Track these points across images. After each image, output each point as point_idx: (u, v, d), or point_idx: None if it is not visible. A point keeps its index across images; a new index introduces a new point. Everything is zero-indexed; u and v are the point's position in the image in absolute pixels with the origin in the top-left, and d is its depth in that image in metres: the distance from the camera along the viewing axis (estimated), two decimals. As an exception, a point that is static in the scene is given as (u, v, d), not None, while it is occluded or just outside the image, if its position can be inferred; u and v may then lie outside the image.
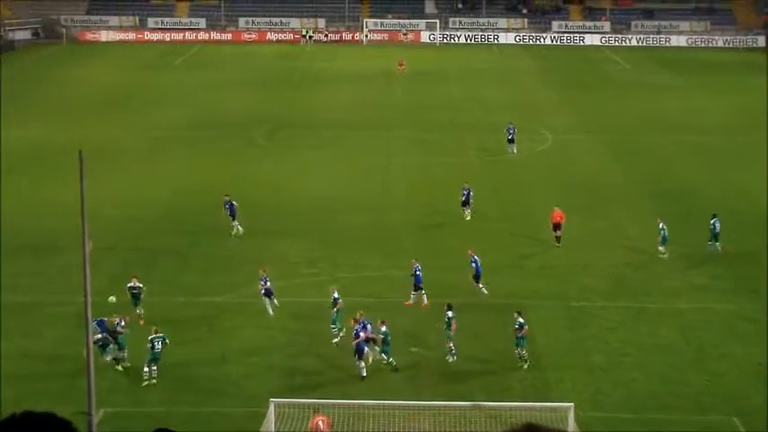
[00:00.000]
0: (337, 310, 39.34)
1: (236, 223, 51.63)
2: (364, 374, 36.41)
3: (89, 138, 71.91)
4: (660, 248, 49.36)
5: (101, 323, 36.17)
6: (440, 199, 58.58)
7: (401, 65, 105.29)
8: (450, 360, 37.51)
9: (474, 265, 44.15)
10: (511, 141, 68.88)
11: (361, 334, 36.49)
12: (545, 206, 57.22)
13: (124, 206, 56.15)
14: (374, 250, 50.01)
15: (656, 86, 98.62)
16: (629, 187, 61.59)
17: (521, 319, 37.53)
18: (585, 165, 67.33)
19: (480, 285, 43.93)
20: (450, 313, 38.27)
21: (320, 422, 31.60)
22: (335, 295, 39.85)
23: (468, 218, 54.35)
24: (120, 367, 36.71)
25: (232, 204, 51.79)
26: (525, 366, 37.24)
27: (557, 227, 49.89)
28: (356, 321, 37.06)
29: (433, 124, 79.72)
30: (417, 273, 42.89)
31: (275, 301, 41.13)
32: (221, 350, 38.32)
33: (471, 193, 54.45)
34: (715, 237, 49.89)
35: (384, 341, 36.85)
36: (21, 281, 45.90)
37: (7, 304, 43.02)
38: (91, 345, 28.31)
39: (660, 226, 49.49)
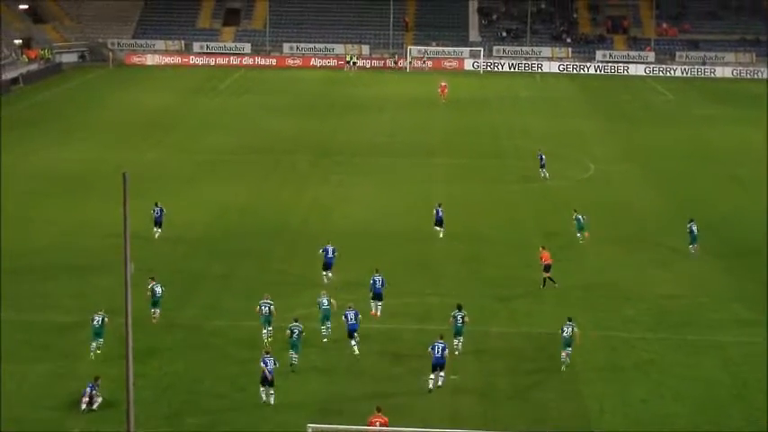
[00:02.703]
0: (324, 312, 41.64)
1: (158, 229, 54.88)
2: (431, 387, 37.25)
3: (134, 160, 72.56)
4: (578, 235, 55.60)
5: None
6: (481, 226, 58.53)
7: (443, 90, 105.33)
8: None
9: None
10: (542, 167, 70.31)
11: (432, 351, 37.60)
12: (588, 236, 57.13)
13: (167, 228, 56.39)
14: (415, 277, 49.95)
15: (701, 117, 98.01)
16: (672, 218, 61.14)
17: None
18: (628, 195, 67.00)
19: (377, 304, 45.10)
20: (459, 314, 40.30)
21: (377, 423, 32.12)
22: (324, 300, 41.84)
23: (440, 236, 55.81)
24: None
25: (162, 211, 55.34)
26: (564, 367, 39.29)
27: (547, 268, 48.58)
28: (441, 338, 38.25)
29: (475, 152, 79.63)
30: (377, 285, 44.33)
31: (272, 391, 36.62)
32: (260, 382, 38.18)
33: (442, 213, 56.35)
34: (693, 239, 53.86)
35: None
36: (63, 301, 46.26)
37: (49, 324, 43.39)
38: (131, 366, 28.33)
39: (574, 216, 55.78)
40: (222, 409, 36.10)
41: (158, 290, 43.46)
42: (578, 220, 55.98)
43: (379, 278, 44.69)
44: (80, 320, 43.45)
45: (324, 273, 48.70)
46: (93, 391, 35.66)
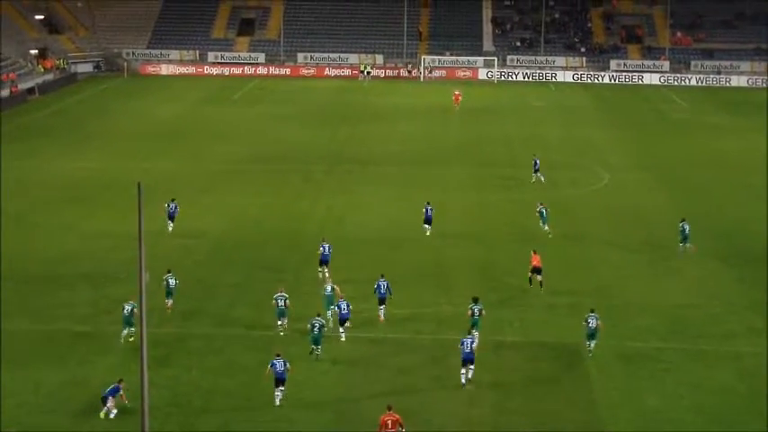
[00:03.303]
0: (328, 298, 44.57)
1: (171, 223, 58.12)
2: (464, 381, 38.50)
3: (148, 170, 72.75)
4: (544, 227, 58.28)
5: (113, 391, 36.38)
6: (495, 234, 58.45)
7: (457, 98, 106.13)
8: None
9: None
10: (536, 171, 71.58)
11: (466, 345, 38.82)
12: (602, 246, 57.05)
13: (181, 238, 56.58)
14: (429, 287, 49.96)
15: (715, 126, 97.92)
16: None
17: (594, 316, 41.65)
18: (642, 204, 66.83)
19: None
20: (476, 306, 42.31)
21: (389, 422, 32.79)
22: (328, 287, 45.20)
23: (428, 233, 58.06)
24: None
25: (176, 207, 58.55)
26: (590, 354, 41.28)
27: (537, 271, 49.20)
28: (470, 334, 39.93)
29: (490, 161, 79.55)
30: (381, 289, 45.08)
31: (282, 389, 37.23)
32: (273, 383, 38.30)
33: (432, 212, 58.63)
34: (684, 239, 55.36)
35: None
36: (77, 310, 46.35)
37: (64, 332, 43.49)
38: (146, 373, 28.39)
39: (538, 209, 58.83)
40: (234, 417, 36.12)
41: (172, 282, 45.75)
42: (542, 213, 58.56)
43: (384, 283, 45.36)
44: (95, 330, 43.72)
45: (319, 269, 50.27)
46: (115, 396, 35.84)
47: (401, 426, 32.99)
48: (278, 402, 36.68)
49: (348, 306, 42.98)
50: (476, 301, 42.74)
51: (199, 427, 35.34)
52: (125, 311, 42.10)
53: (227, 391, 37.98)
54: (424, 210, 58.93)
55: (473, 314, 42.19)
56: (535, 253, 49.88)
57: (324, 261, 50.49)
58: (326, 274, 49.05)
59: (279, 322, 43.47)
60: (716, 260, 54.62)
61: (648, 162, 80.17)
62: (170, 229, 57.85)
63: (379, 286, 45.21)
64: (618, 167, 77.76)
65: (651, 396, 38.27)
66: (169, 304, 45.58)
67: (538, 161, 72.40)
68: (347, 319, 42.89)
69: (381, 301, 45.14)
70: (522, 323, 45.34)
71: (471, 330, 40.81)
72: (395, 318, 45.11)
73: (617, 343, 43.01)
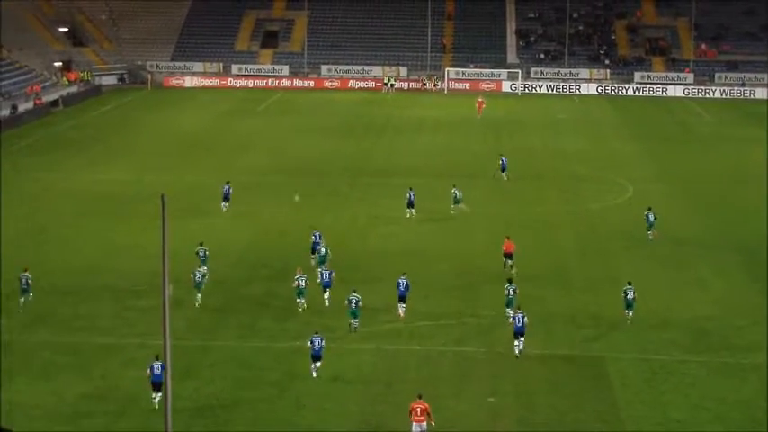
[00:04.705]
0: (321, 258, 50.98)
1: (226, 204, 64.94)
2: (517, 353, 41.70)
3: (172, 182, 72.91)
4: (452, 206, 65.15)
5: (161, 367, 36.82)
6: (519, 247, 58.27)
7: (480, 105, 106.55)
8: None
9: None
10: (502, 170, 75.95)
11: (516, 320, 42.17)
12: (625, 258, 56.84)
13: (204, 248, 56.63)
14: (452, 298, 49.86)
15: (739, 139, 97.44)
16: (711, 239, 60.81)
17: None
18: (666, 216, 66.42)
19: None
20: (511, 287, 46.06)
21: (418, 409, 34.26)
22: (322, 249, 51.49)
23: (410, 216, 63.60)
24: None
25: (229, 188, 65.55)
26: (629, 322, 45.57)
27: (508, 256, 53.14)
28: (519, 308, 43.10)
29: (513, 173, 79.32)
30: (401, 287, 46.60)
31: (317, 365, 39.86)
32: (296, 395, 38.33)
33: (414, 197, 64.20)
34: (650, 226, 59.93)
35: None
36: (101, 322, 46.46)
37: (87, 345, 43.59)
38: (170, 387, 28.43)
39: (453, 191, 65.42)
40: (256, 429, 36.10)
41: (201, 252, 51.42)
42: (454, 195, 65.37)
43: (404, 280, 46.62)
44: (118, 342, 43.75)
45: (312, 256, 53.70)
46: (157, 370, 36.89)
47: (429, 414, 34.09)
48: (314, 375, 39.39)
49: (330, 275, 47.41)
50: (510, 281, 46.82)
51: (221, 439, 35.43)
52: (196, 278, 47.31)
53: (249, 404, 37.96)
54: (407, 195, 64.38)
55: (508, 294, 45.82)
56: (508, 239, 53.72)
57: (314, 251, 53.61)
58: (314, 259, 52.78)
59: (298, 300, 46.94)
60: (739, 272, 54.34)
61: (673, 175, 79.86)
62: (224, 209, 64.53)
63: (399, 284, 46.60)
64: (642, 180, 77.46)
65: (675, 409, 38.06)
66: (204, 270, 48.98)
67: (504, 160, 76.68)
68: (329, 288, 47.03)
69: (401, 299, 46.33)
70: (546, 335, 45.17)
71: (508, 308, 45.01)
72: (418, 330, 45.03)
73: (641, 356, 42.84)
